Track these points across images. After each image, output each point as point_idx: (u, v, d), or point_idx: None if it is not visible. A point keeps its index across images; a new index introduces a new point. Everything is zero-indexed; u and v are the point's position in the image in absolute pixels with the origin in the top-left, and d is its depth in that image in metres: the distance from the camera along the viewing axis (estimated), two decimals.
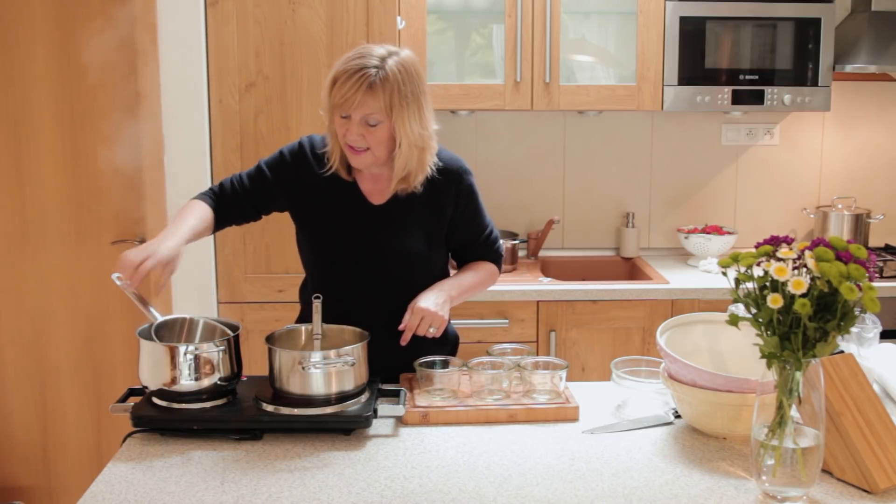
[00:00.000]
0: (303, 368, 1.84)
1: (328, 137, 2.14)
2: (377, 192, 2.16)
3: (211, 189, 2.24)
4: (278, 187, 2.19)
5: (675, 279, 3.27)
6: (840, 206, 3.65)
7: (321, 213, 2.17)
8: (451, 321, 2.38)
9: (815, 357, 1.53)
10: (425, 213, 2.17)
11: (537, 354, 2.44)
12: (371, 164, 2.10)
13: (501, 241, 2.34)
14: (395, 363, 2.11)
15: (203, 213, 2.15)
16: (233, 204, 2.21)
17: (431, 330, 2.07)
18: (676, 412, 1.93)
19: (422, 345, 2.13)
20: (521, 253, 3.59)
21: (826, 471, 1.65)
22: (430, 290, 2.13)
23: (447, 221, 2.20)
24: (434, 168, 2.14)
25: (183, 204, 2.20)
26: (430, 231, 2.18)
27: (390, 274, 2.16)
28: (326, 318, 2.05)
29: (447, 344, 2.29)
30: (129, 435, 1.86)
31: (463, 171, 2.20)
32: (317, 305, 1.95)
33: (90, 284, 3.32)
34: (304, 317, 2.25)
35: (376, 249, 2.16)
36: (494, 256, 2.30)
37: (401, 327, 2.07)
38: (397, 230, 2.16)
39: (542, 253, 3.67)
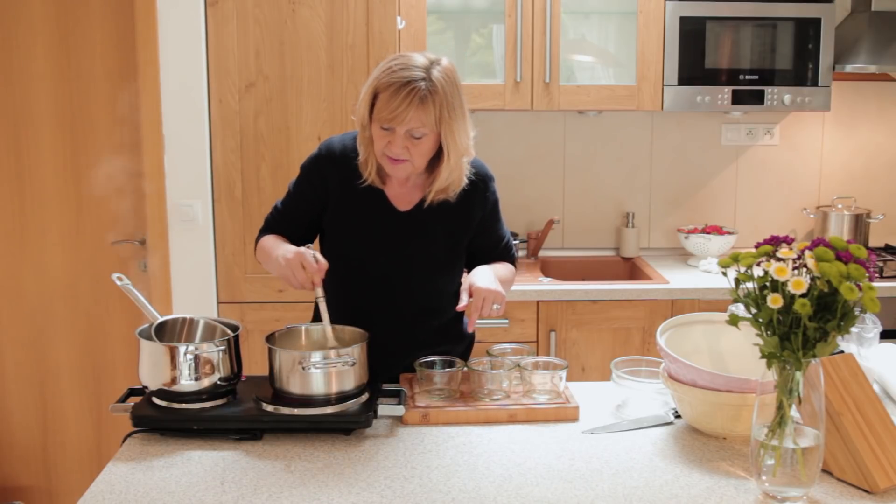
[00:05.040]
0: (303, 368, 1.84)
1: (360, 146, 2.09)
2: (404, 197, 2.14)
3: (263, 229, 2.23)
4: (315, 200, 2.17)
5: (675, 279, 3.27)
6: (840, 206, 3.66)
7: (347, 219, 2.15)
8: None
9: (815, 357, 1.53)
10: (452, 220, 2.15)
11: (537, 354, 2.44)
12: (409, 174, 2.08)
13: (514, 246, 2.34)
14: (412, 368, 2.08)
15: (284, 239, 2.15)
16: (286, 233, 2.20)
17: (496, 307, 1.99)
18: (676, 412, 1.93)
19: (443, 340, 2.16)
20: (521, 253, 3.59)
21: (826, 471, 1.65)
22: (480, 271, 2.07)
23: (473, 228, 2.18)
24: (466, 176, 2.11)
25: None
26: (455, 237, 2.17)
27: (414, 280, 2.15)
28: (345, 321, 2.05)
29: (463, 340, 2.30)
30: (129, 435, 1.86)
31: (489, 178, 2.20)
32: (323, 307, 1.98)
33: (90, 284, 3.32)
34: (319, 318, 2.25)
35: (402, 256, 2.14)
36: (510, 261, 2.30)
37: (460, 307, 1.99)
38: (424, 237, 2.14)
39: (542, 253, 3.67)
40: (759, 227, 3.75)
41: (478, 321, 2.00)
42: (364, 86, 2.04)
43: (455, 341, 2.24)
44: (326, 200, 2.16)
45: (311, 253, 1.97)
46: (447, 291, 2.19)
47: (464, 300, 1.99)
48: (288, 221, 2.21)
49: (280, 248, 2.05)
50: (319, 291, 1.98)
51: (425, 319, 2.18)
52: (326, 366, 1.85)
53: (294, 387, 1.86)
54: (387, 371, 2.07)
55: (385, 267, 2.14)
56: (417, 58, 2.00)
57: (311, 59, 3.05)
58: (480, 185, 2.17)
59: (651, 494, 1.60)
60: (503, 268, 2.23)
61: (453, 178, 2.08)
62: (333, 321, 2.03)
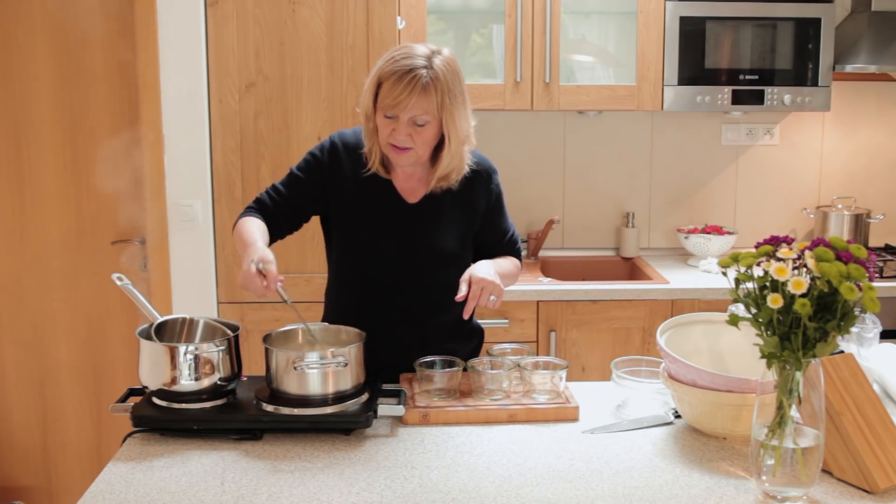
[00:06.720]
0: (295, 368, 1.84)
1: (365, 137, 2.12)
2: (411, 190, 2.16)
3: (251, 206, 2.21)
4: (315, 189, 2.17)
5: (675, 279, 3.27)
6: (840, 206, 3.66)
7: (356, 212, 2.16)
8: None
9: (815, 357, 1.53)
10: (459, 211, 2.18)
11: (537, 354, 2.44)
12: (413, 163, 2.10)
13: (520, 243, 2.36)
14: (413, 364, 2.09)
15: (261, 226, 2.12)
16: (275, 215, 2.18)
17: (492, 298, 2.00)
18: (676, 412, 1.93)
19: (450, 337, 2.17)
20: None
21: (826, 471, 1.65)
22: (481, 263, 2.08)
23: (479, 219, 2.21)
24: (468, 166, 2.15)
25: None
26: (463, 229, 2.19)
27: (423, 272, 2.16)
28: (353, 319, 2.06)
29: (474, 337, 2.31)
30: (129, 435, 1.86)
31: (493, 171, 2.23)
32: (296, 311, 1.96)
33: (90, 284, 3.32)
34: (329, 319, 2.24)
35: (411, 247, 2.15)
36: (516, 255, 2.31)
37: (459, 297, 1.99)
38: (432, 228, 2.16)
39: (542, 253, 3.67)
40: (759, 227, 3.75)
41: (480, 321, 2.01)
42: (368, 77, 2.08)
43: (464, 340, 2.25)
44: (326, 189, 2.16)
45: (257, 266, 1.90)
46: (456, 285, 2.20)
47: (462, 290, 2.00)
48: (282, 200, 2.19)
49: (247, 251, 1.98)
50: (284, 295, 1.95)
51: (435, 315, 2.19)
52: (322, 366, 1.85)
53: (290, 387, 1.86)
54: (397, 369, 2.09)
55: (394, 259, 2.16)
56: (419, 48, 2.05)
57: (311, 59, 3.05)
58: (484, 175, 2.20)
59: (651, 494, 1.60)
60: (507, 262, 2.25)
61: (454, 165, 2.10)
62: (341, 320, 2.06)
